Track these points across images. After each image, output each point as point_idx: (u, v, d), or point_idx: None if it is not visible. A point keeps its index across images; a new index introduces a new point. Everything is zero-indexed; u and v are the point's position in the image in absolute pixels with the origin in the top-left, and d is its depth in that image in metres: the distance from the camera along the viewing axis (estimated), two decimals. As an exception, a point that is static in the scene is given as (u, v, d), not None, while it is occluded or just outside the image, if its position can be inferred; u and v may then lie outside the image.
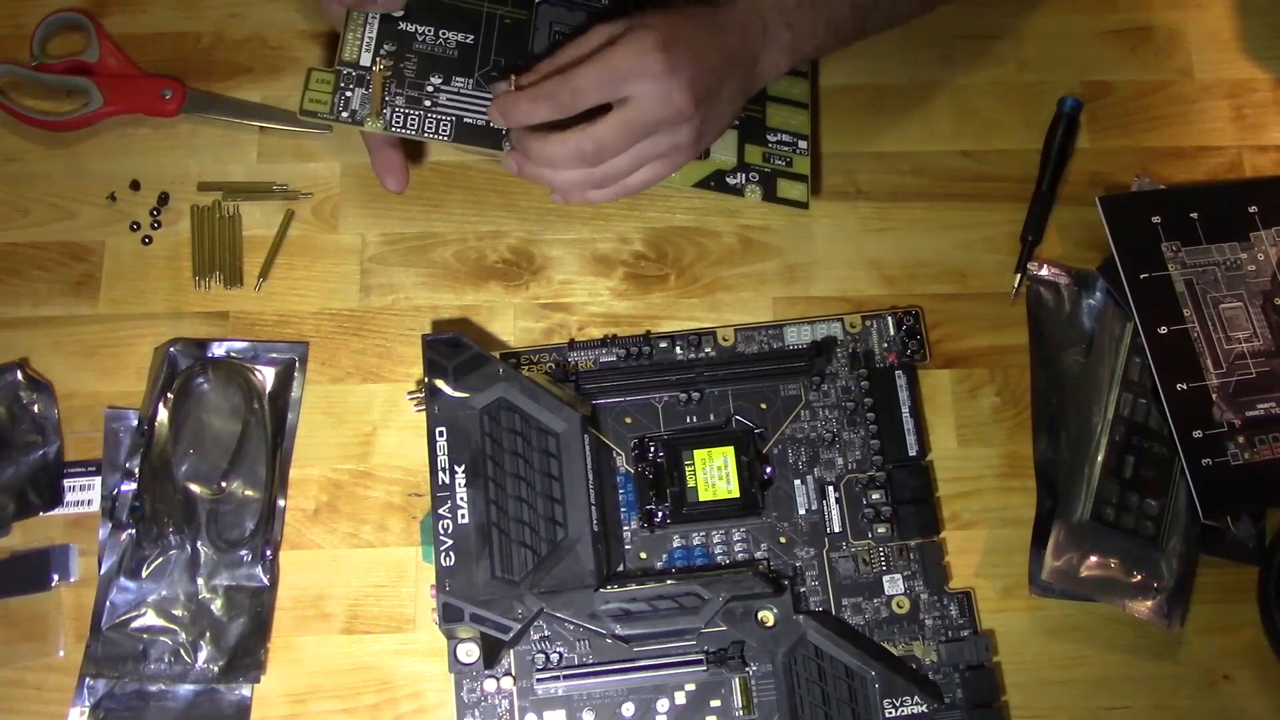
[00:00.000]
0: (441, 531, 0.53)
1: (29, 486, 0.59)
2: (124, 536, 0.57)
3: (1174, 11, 0.71)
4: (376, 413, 0.61)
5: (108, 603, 0.56)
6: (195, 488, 0.58)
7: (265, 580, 0.57)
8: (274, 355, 0.61)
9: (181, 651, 0.56)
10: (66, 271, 0.63)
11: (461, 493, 0.53)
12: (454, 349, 0.55)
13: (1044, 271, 0.63)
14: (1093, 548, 0.58)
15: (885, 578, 0.58)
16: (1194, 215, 0.62)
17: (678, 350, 0.61)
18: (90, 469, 0.59)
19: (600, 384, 0.60)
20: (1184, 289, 0.61)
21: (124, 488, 0.58)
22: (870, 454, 0.59)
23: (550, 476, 0.55)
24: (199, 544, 0.57)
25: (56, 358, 0.61)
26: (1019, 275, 0.64)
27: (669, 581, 0.55)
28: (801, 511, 0.59)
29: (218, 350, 0.61)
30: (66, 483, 0.59)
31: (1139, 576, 0.58)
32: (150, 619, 0.56)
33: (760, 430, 0.59)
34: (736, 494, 0.57)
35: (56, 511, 0.59)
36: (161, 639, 0.56)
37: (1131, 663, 0.58)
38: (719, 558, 0.58)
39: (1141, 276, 0.61)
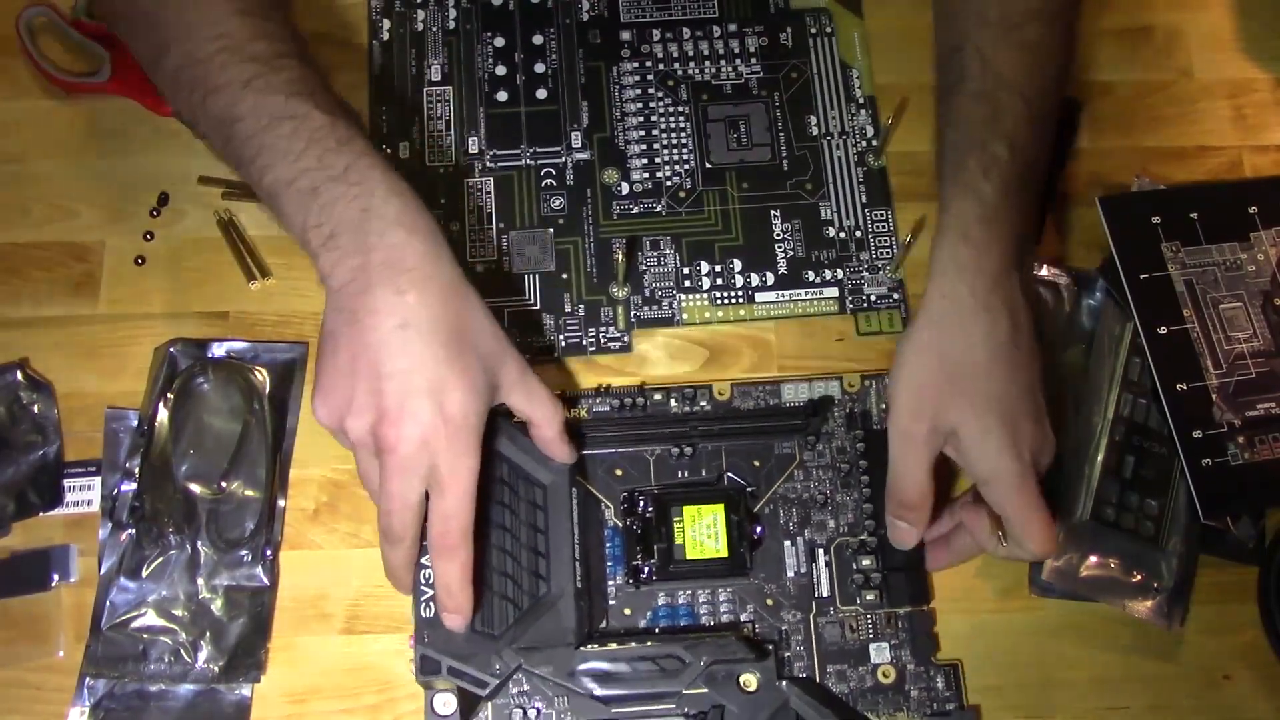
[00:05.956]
0: (423, 581, 0.51)
1: (29, 486, 0.59)
2: (124, 536, 0.57)
3: (1174, 11, 0.71)
4: (376, 413, 0.61)
5: (108, 603, 0.56)
6: (195, 488, 0.58)
7: (265, 580, 0.57)
8: (274, 355, 0.61)
9: (181, 651, 0.56)
10: (66, 271, 0.63)
11: None
12: None
13: (1044, 271, 0.63)
14: (1093, 548, 0.58)
15: (872, 645, 0.56)
16: (1194, 215, 0.62)
17: (672, 403, 0.59)
18: (90, 469, 0.59)
19: (592, 434, 0.58)
20: (1184, 289, 0.61)
21: (124, 488, 0.58)
22: (863, 518, 0.58)
23: (536, 529, 0.53)
24: (199, 544, 0.57)
25: (56, 358, 0.61)
26: (1019, 275, 0.64)
27: (650, 643, 0.54)
28: (790, 574, 0.57)
29: (218, 350, 0.61)
30: (66, 483, 0.59)
31: (1139, 576, 0.58)
32: (150, 619, 0.56)
33: (752, 489, 0.58)
34: (724, 554, 0.56)
35: (56, 511, 0.59)
36: (161, 639, 0.56)
37: (1131, 663, 0.58)
38: (704, 618, 0.57)
39: (1141, 276, 0.61)
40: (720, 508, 0.57)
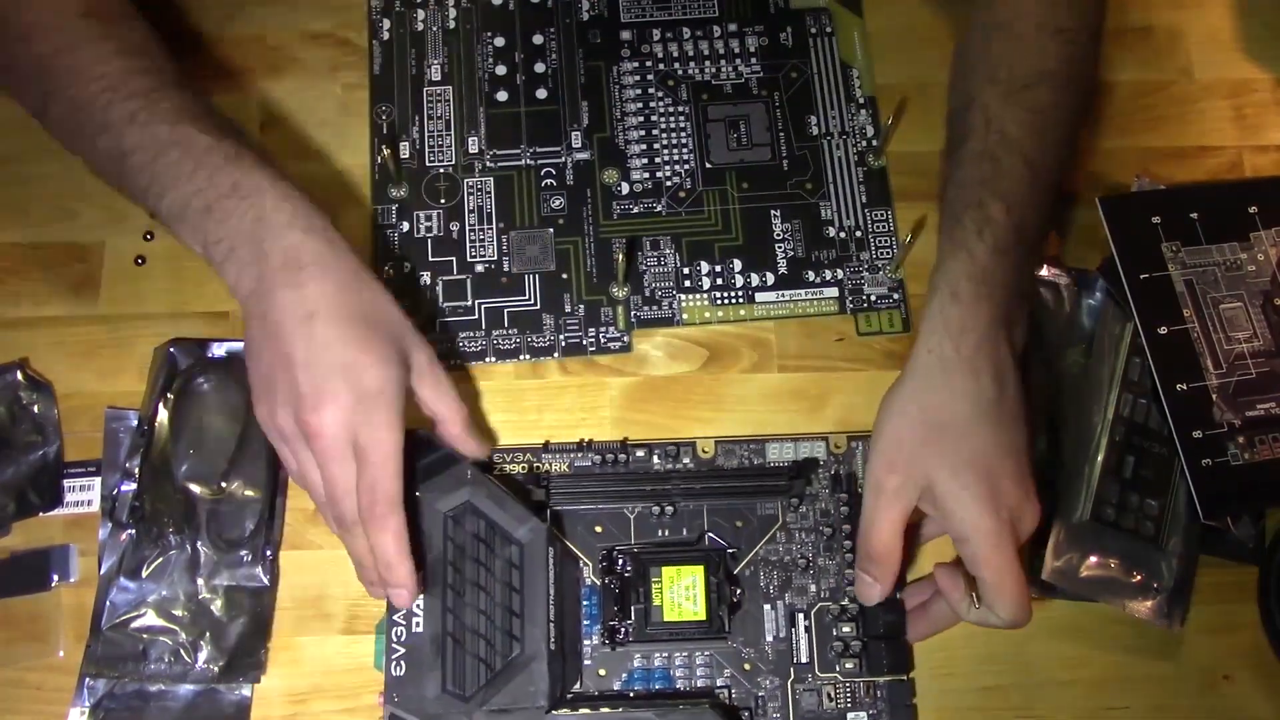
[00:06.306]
0: (395, 639, 0.51)
1: (29, 486, 0.59)
2: (124, 536, 0.57)
3: (1174, 11, 0.71)
4: (376, 413, 0.61)
5: (108, 603, 0.56)
6: (195, 488, 0.58)
7: (265, 580, 0.57)
8: (274, 355, 0.61)
9: (181, 651, 0.56)
10: (66, 271, 0.63)
11: (418, 599, 0.51)
12: (423, 448, 0.52)
13: (1044, 271, 0.63)
14: (1093, 548, 0.58)
15: (850, 714, 0.55)
16: (1194, 215, 0.62)
17: (655, 460, 0.58)
18: (90, 469, 0.59)
19: (573, 490, 0.57)
20: (1184, 289, 0.61)
21: (124, 488, 0.58)
22: (844, 583, 0.57)
23: (511, 588, 0.52)
24: (199, 544, 0.57)
25: (56, 358, 0.61)
26: (1019, 275, 0.64)
27: (622, 708, 0.53)
28: (769, 638, 0.56)
29: (218, 350, 0.61)
30: (66, 483, 0.59)
31: (1139, 576, 0.58)
32: (150, 619, 0.56)
33: (733, 550, 0.57)
34: (703, 616, 0.55)
35: (56, 511, 0.59)
36: (161, 639, 0.56)
37: (1131, 663, 0.58)
38: (680, 682, 0.56)
39: (1141, 276, 0.61)
40: (700, 569, 0.55)
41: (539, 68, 0.68)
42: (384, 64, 0.67)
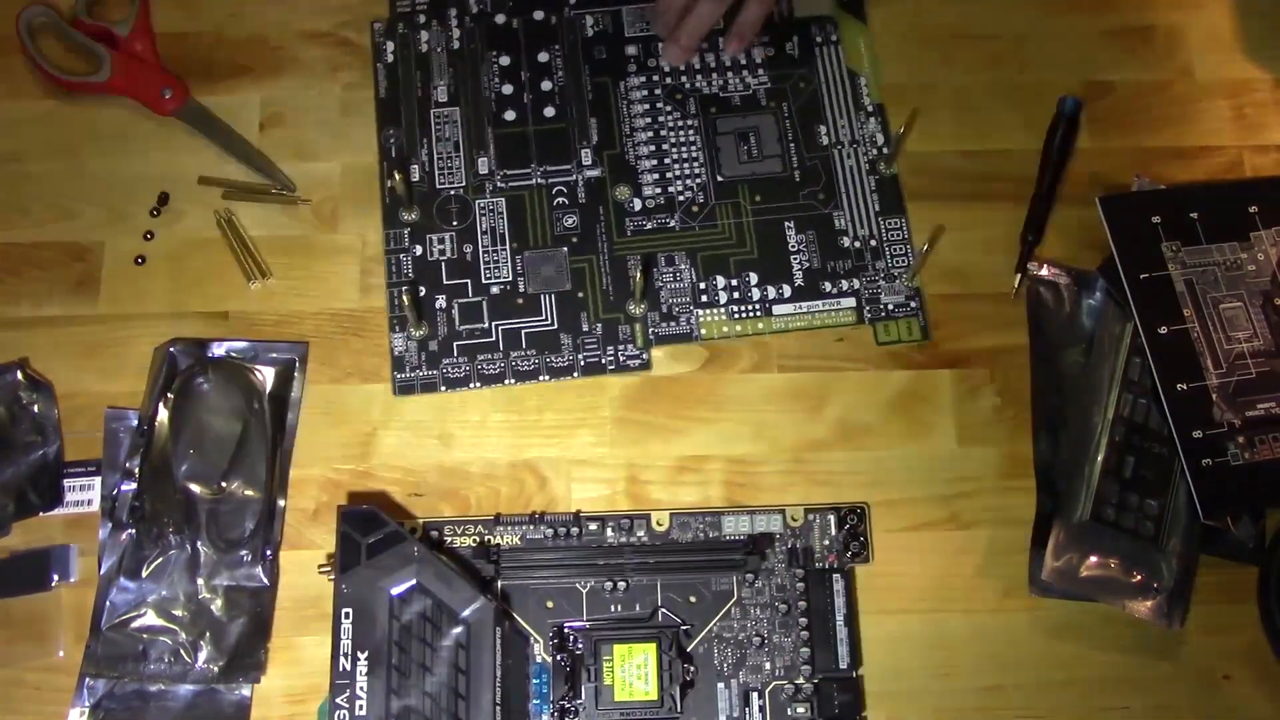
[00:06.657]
0: None
1: (29, 486, 0.59)
2: (124, 536, 0.57)
3: (1174, 11, 0.71)
4: (376, 413, 0.61)
5: (108, 603, 0.56)
6: (195, 488, 0.58)
7: (265, 580, 0.57)
8: (274, 355, 0.61)
9: (181, 651, 0.56)
10: (66, 271, 0.63)
11: (362, 682, 0.50)
12: (369, 524, 0.51)
13: (1044, 271, 0.63)
14: (1093, 548, 0.58)
15: None
16: (1194, 215, 0.62)
17: (609, 532, 0.58)
18: (90, 469, 0.59)
19: (524, 564, 0.57)
20: (1184, 289, 0.61)
21: (124, 488, 0.58)
22: (800, 661, 0.56)
23: (457, 669, 0.51)
24: (199, 544, 0.57)
25: (56, 358, 0.61)
26: (1019, 275, 0.64)
27: None
28: (722, 719, 0.55)
29: (218, 350, 0.61)
30: (66, 483, 0.59)
31: (1139, 576, 0.58)
32: (150, 619, 0.56)
33: (688, 627, 0.56)
34: (654, 696, 0.54)
35: (56, 511, 0.59)
36: (161, 639, 0.56)
37: (1131, 663, 0.58)
38: None
39: (1141, 276, 0.61)
40: (651, 648, 0.55)
41: (545, 86, 0.67)
42: (389, 86, 0.67)
